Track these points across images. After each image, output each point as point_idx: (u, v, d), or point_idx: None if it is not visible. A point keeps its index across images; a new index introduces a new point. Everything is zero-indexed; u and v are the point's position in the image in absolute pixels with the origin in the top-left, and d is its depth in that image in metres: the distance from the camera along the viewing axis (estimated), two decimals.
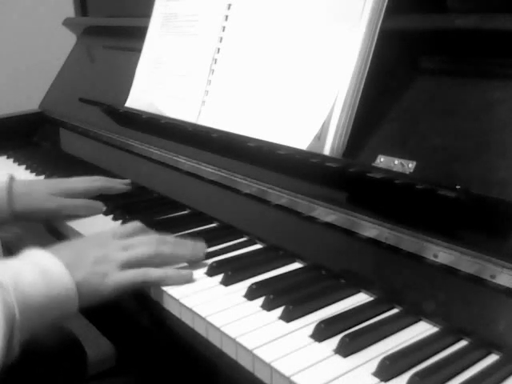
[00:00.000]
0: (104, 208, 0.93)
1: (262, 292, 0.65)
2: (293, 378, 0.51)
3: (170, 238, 0.74)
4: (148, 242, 0.71)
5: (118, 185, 0.99)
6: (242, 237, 0.81)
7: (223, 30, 0.94)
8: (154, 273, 0.69)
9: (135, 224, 0.76)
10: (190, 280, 0.69)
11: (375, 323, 0.60)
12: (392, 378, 0.51)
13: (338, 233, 0.71)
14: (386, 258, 0.66)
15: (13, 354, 0.58)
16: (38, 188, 0.92)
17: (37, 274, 0.62)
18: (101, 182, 0.97)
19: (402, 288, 0.63)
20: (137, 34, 1.16)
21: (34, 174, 1.20)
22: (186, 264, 0.73)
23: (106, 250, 0.69)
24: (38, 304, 0.60)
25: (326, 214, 0.73)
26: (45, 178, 1.15)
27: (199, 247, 0.74)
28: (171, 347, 0.71)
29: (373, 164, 0.69)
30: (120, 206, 0.93)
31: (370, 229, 0.68)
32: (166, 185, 1.00)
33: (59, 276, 0.63)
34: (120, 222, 0.89)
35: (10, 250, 1.08)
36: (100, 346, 1.31)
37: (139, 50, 1.14)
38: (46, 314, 0.62)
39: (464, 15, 0.67)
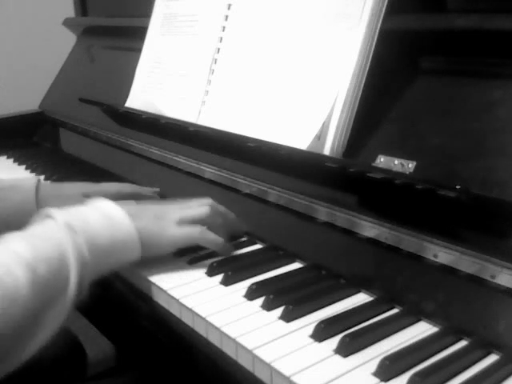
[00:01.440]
0: None
1: (262, 292, 0.65)
2: (293, 378, 0.51)
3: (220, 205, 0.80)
4: (202, 204, 0.76)
5: (148, 192, 0.98)
6: (242, 237, 0.81)
7: (223, 30, 0.94)
8: (209, 234, 0.73)
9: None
10: (230, 253, 0.75)
11: (375, 323, 0.60)
12: (392, 377, 0.51)
13: (337, 233, 0.71)
14: (386, 258, 0.66)
15: (83, 294, 0.61)
16: (68, 190, 0.91)
17: (102, 218, 0.66)
18: (131, 187, 0.97)
19: (402, 288, 0.63)
20: (137, 34, 1.16)
21: (34, 174, 1.20)
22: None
23: (165, 208, 0.74)
24: (104, 246, 0.64)
25: (326, 213, 0.73)
26: (45, 178, 1.15)
27: None
28: (171, 347, 0.71)
29: (373, 164, 0.69)
30: None
31: (370, 229, 0.68)
32: (166, 185, 1.00)
33: (122, 221, 0.67)
34: None
35: None
36: (100, 346, 1.31)
37: (139, 50, 1.13)
38: (112, 257, 0.66)
39: (464, 15, 0.67)
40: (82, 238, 0.62)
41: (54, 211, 0.64)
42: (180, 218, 0.72)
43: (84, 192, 0.90)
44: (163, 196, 0.97)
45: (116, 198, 0.90)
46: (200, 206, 0.76)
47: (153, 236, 0.70)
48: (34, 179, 0.89)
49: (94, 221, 0.65)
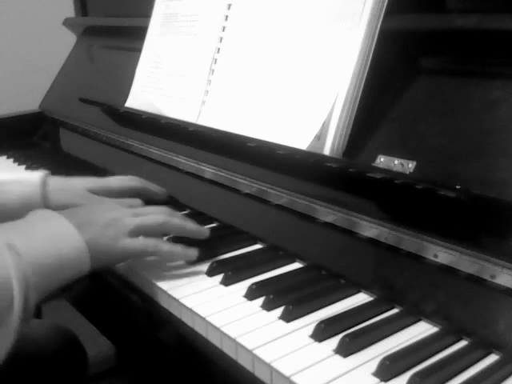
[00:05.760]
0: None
1: (262, 292, 0.65)
2: (293, 378, 0.51)
3: (178, 213, 0.76)
4: (158, 211, 0.74)
5: (154, 187, 0.95)
6: (242, 237, 0.81)
7: (223, 30, 0.94)
8: (163, 246, 0.70)
9: (136, 200, 0.79)
10: (194, 258, 0.72)
11: (375, 323, 0.60)
12: (392, 377, 0.51)
13: (337, 233, 0.71)
14: (386, 258, 0.66)
15: (29, 316, 0.60)
16: (74, 184, 0.90)
17: (48, 235, 0.63)
18: (136, 182, 0.95)
19: (402, 288, 0.63)
20: (137, 34, 1.16)
21: None
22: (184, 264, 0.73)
23: (117, 213, 0.70)
24: (50, 265, 0.62)
25: (326, 213, 0.73)
26: None
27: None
28: (171, 347, 0.71)
29: (373, 164, 0.69)
30: None
31: (370, 229, 0.68)
32: (165, 185, 1.00)
33: (68, 235, 0.64)
34: None
35: None
36: (100, 346, 1.31)
37: (139, 50, 1.14)
38: (59, 273, 0.63)
39: (464, 15, 0.67)
40: (25, 259, 0.59)
41: None
42: (134, 227, 0.69)
43: (90, 187, 0.89)
44: (171, 198, 0.96)
45: (121, 194, 0.90)
46: (154, 213, 0.73)
47: (103, 248, 0.67)
48: (42, 173, 0.89)
49: (40, 239, 0.63)
